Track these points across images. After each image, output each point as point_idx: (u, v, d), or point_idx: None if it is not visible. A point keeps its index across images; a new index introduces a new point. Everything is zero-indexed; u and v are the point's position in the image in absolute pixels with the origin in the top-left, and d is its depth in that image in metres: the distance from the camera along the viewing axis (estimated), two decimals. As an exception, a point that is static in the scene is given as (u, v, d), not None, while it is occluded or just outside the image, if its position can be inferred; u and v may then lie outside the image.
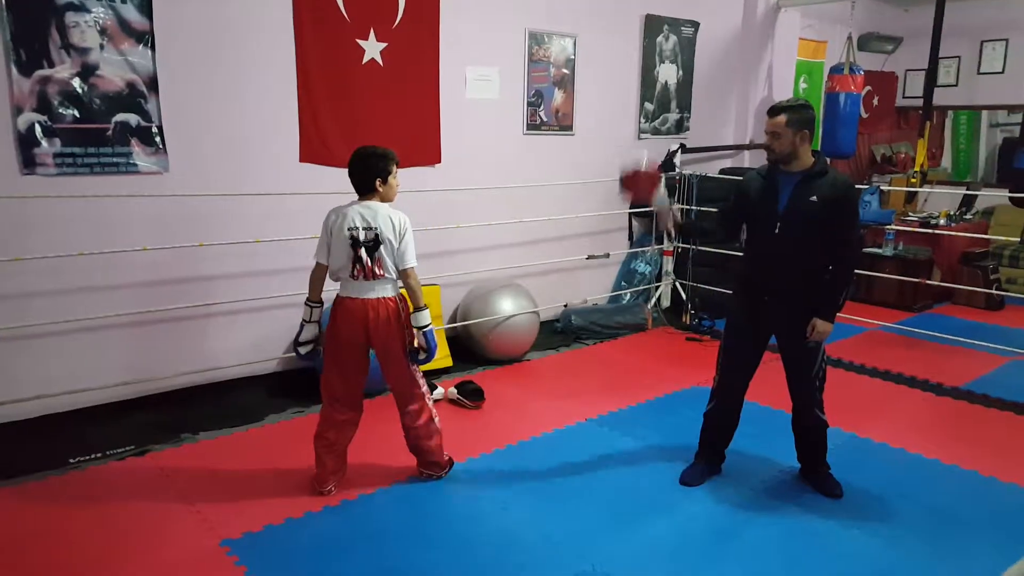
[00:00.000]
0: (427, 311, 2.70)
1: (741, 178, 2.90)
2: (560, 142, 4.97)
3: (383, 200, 2.68)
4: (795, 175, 2.65)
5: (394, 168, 2.68)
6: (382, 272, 2.63)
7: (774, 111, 2.63)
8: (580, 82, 4.98)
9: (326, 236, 2.66)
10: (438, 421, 2.86)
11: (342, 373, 2.72)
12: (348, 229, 2.60)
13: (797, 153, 2.63)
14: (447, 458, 2.93)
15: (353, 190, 2.70)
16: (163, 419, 3.39)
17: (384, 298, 2.66)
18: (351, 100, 3.92)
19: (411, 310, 2.72)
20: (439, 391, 3.74)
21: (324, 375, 2.75)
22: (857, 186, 2.78)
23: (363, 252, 2.60)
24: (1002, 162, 7.24)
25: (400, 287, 2.74)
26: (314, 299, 2.73)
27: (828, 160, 2.76)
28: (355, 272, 2.62)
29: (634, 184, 2.86)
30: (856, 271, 2.82)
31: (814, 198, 2.60)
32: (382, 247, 2.61)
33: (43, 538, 2.47)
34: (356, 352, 2.71)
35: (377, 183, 2.64)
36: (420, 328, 2.69)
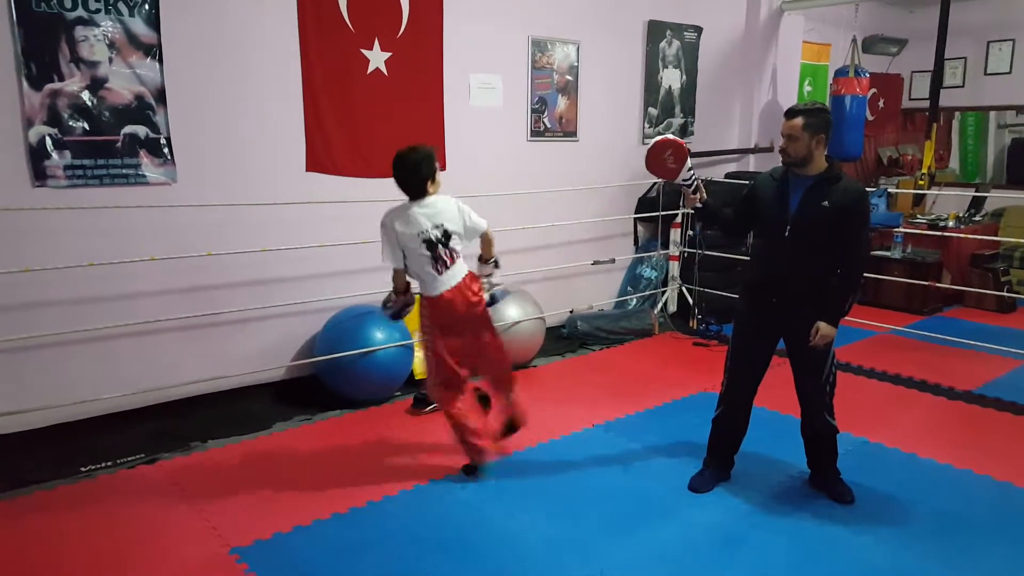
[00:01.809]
0: (496, 260, 3.02)
1: (750, 181, 2.89)
2: (564, 148, 4.98)
3: (434, 194, 2.81)
4: (808, 179, 2.65)
5: (437, 163, 2.81)
6: (456, 257, 2.82)
7: (791, 114, 2.62)
8: (583, 88, 4.99)
9: (393, 242, 2.78)
10: None
11: (455, 357, 2.87)
12: (419, 234, 2.74)
13: (812, 157, 2.62)
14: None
15: (349, 180, 2.78)
16: (172, 427, 3.41)
17: (464, 279, 2.83)
18: (356, 109, 3.94)
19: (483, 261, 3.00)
20: (446, 398, 3.74)
21: (440, 366, 2.87)
22: (866, 190, 2.76)
23: (440, 249, 2.77)
24: (1012, 163, 7.19)
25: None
26: (402, 290, 2.91)
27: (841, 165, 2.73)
28: (439, 268, 2.78)
29: (659, 158, 2.76)
30: (864, 275, 2.80)
31: (825, 203, 2.59)
32: (453, 238, 2.78)
33: (54, 546, 2.49)
34: (463, 333, 2.88)
35: (428, 184, 2.76)
36: (488, 277, 2.98)
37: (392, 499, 2.81)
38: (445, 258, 2.79)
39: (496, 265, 3.03)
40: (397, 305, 2.95)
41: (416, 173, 2.74)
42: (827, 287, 2.66)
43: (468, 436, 2.94)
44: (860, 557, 2.45)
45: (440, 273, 2.79)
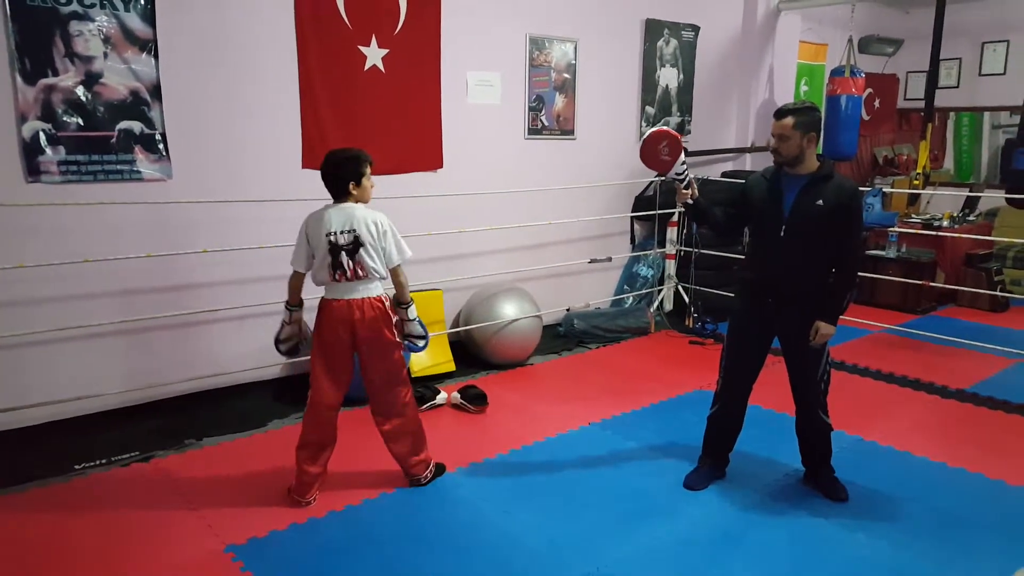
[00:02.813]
0: (413, 306, 2.77)
1: (744, 180, 2.90)
2: (561, 146, 4.98)
3: (358, 202, 2.66)
4: (801, 178, 2.66)
5: (367, 169, 2.65)
6: (364, 273, 2.63)
7: (781, 114, 2.63)
8: (581, 86, 4.99)
9: (304, 242, 2.66)
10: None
11: (330, 375, 2.71)
12: (326, 235, 2.59)
13: (804, 156, 2.63)
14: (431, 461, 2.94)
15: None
16: (167, 425, 3.39)
17: (369, 298, 2.66)
18: (353, 106, 3.93)
19: (396, 304, 2.77)
20: (442, 396, 3.74)
21: (312, 377, 2.73)
22: (860, 189, 2.77)
23: (343, 256, 2.59)
24: (1004, 163, 7.23)
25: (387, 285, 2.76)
26: (293, 303, 2.78)
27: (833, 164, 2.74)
28: (337, 276, 2.62)
29: (654, 149, 2.73)
30: (859, 274, 2.81)
31: (819, 202, 2.60)
32: (362, 249, 2.60)
33: (48, 545, 2.48)
34: (342, 354, 2.70)
35: (351, 187, 2.61)
36: (411, 321, 2.76)
37: (389, 496, 2.81)
38: (347, 267, 2.57)
39: (408, 313, 2.74)
40: (290, 336, 2.75)
41: (338, 171, 2.59)
42: (822, 286, 2.67)
43: (305, 471, 2.72)
44: (855, 554, 2.47)
45: (339, 280, 2.60)
